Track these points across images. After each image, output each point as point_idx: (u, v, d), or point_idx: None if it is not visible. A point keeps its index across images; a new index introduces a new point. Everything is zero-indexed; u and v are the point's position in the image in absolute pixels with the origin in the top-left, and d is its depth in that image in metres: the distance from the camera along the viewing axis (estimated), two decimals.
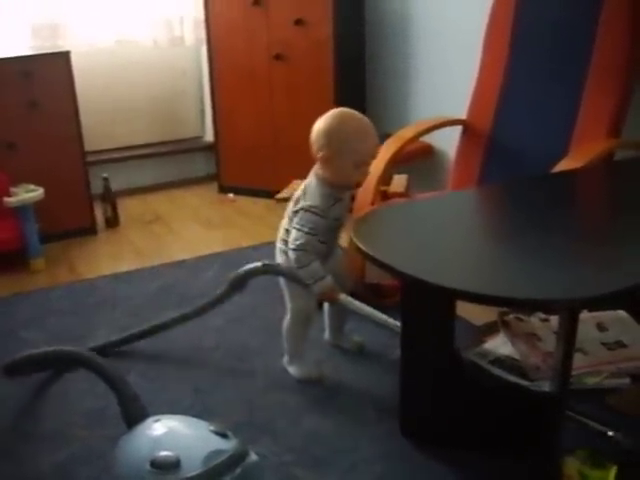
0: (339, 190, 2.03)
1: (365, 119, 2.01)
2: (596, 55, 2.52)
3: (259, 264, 2.12)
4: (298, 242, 1.99)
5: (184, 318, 2.33)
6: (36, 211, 3.11)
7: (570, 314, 1.53)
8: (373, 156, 2.03)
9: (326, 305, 2.31)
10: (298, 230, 2.00)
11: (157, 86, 4.34)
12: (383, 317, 2.06)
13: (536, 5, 2.73)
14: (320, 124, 2.00)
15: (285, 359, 2.23)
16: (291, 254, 2.02)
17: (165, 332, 2.35)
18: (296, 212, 2.03)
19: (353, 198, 2.44)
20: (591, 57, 2.54)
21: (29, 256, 3.11)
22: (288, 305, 2.16)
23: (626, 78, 2.47)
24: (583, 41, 2.55)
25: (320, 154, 1.98)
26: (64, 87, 3.32)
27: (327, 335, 2.37)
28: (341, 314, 2.32)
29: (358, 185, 2.09)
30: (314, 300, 2.14)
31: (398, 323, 1.93)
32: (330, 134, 1.97)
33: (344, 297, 2.05)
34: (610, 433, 1.72)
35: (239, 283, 2.16)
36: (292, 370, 2.20)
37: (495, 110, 2.80)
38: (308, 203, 2.01)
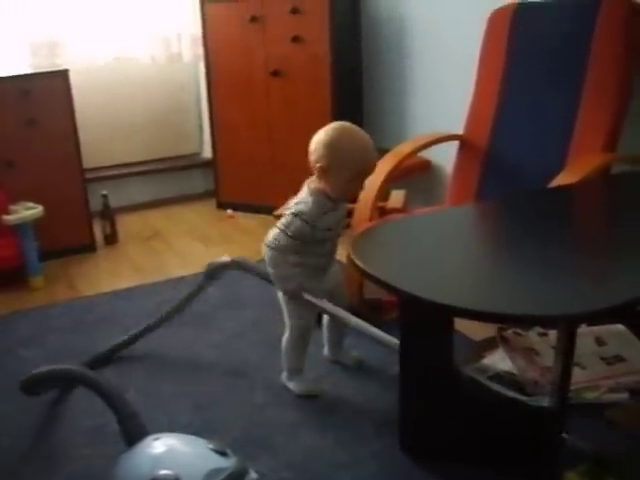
0: (333, 201, 2.03)
1: (365, 135, 2.02)
2: (591, 69, 2.54)
3: (229, 259, 2.30)
4: (278, 242, 2.01)
5: (167, 317, 2.43)
6: (35, 229, 3.11)
7: (568, 329, 1.54)
8: (369, 173, 2.03)
9: (325, 321, 2.31)
10: (281, 231, 2.01)
11: (155, 103, 4.36)
12: (358, 322, 2.04)
13: (531, 21, 2.75)
14: (321, 135, 2.00)
15: (284, 375, 2.23)
16: (267, 252, 2.04)
17: (159, 331, 2.46)
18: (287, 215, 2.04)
19: (350, 214, 2.45)
20: (586, 72, 2.55)
21: (28, 274, 3.12)
22: (287, 322, 2.17)
23: (621, 92, 2.48)
24: (578, 56, 2.57)
25: (317, 165, 1.99)
26: (63, 105, 3.34)
27: (326, 351, 2.37)
28: (340, 330, 2.33)
29: (353, 199, 2.10)
30: (313, 317, 2.15)
31: (375, 330, 1.98)
32: (329, 146, 1.97)
33: (310, 297, 2.05)
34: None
35: (214, 274, 2.34)
36: (291, 386, 2.21)
37: (492, 125, 2.82)
38: (299, 208, 2.01)
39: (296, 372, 2.21)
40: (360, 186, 2.04)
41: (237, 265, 2.33)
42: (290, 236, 2.00)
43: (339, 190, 2.01)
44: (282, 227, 2.01)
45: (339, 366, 2.34)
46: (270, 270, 2.07)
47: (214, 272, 2.36)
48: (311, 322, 2.16)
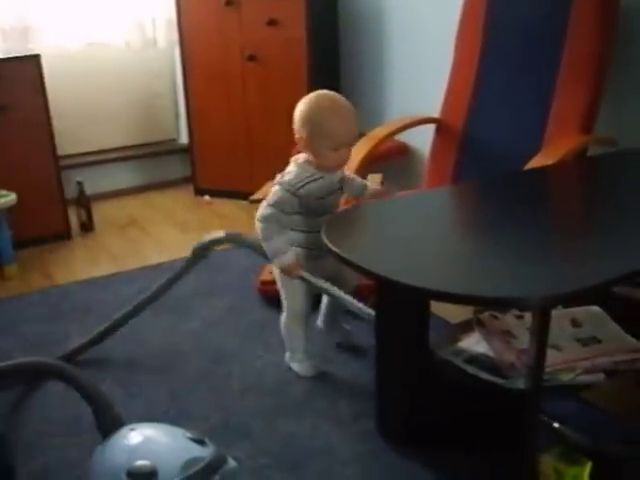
0: (319, 169, 2.03)
1: (344, 101, 2.02)
2: (567, 51, 2.53)
3: (222, 233, 2.14)
4: (262, 214, 2.00)
5: (154, 296, 2.33)
6: (9, 217, 3.07)
7: (542, 311, 1.54)
8: (351, 139, 2.02)
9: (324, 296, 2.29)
10: (266, 203, 2.01)
11: (131, 88, 4.29)
12: (355, 304, 2.03)
13: (507, 2, 2.74)
14: (299, 107, 2.02)
15: (287, 355, 2.24)
16: (256, 225, 2.02)
17: (135, 320, 2.35)
18: None
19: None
20: (562, 53, 2.54)
21: (2, 263, 3.08)
22: (283, 303, 2.17)
23: (597, 74, 2.48)
24: (554, 38, 2.56)
25: (299, 137, 2.01)
26: (35, 91, 3.28)
27: (319, 322, 2.36)
28: (336, 306, 2.30)
29: (340, 166, 2.08)
30: (307, 300, 2.15)
31: (370, 311, 1.95)
32: (306, 116, 1.99)
33: (306, 275, 2.04)
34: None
35: (202, 251, 2.19)
36: (294, 367, 2.22)
37: (468, 108, 2.81)
38: (281, 179, 2.02)
39: (297, 352, 2.21)
40: (344, 155, 2.03)
41: (231, 238, 2.20)
42: (272, 205, 1.98)
43: (322, 160, 2.01)
44: (267, 200, 2.01)
45: (316, 352, 2.31)
46: (263, 244, 2.03)
47: (204, 249, 2.21)
48: (304, 304, 2.15)
